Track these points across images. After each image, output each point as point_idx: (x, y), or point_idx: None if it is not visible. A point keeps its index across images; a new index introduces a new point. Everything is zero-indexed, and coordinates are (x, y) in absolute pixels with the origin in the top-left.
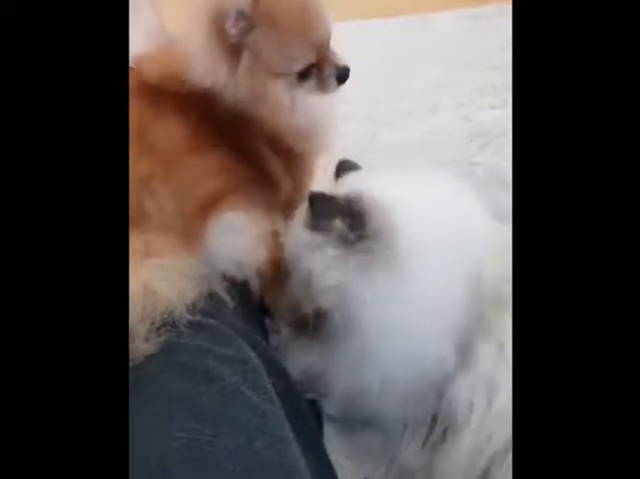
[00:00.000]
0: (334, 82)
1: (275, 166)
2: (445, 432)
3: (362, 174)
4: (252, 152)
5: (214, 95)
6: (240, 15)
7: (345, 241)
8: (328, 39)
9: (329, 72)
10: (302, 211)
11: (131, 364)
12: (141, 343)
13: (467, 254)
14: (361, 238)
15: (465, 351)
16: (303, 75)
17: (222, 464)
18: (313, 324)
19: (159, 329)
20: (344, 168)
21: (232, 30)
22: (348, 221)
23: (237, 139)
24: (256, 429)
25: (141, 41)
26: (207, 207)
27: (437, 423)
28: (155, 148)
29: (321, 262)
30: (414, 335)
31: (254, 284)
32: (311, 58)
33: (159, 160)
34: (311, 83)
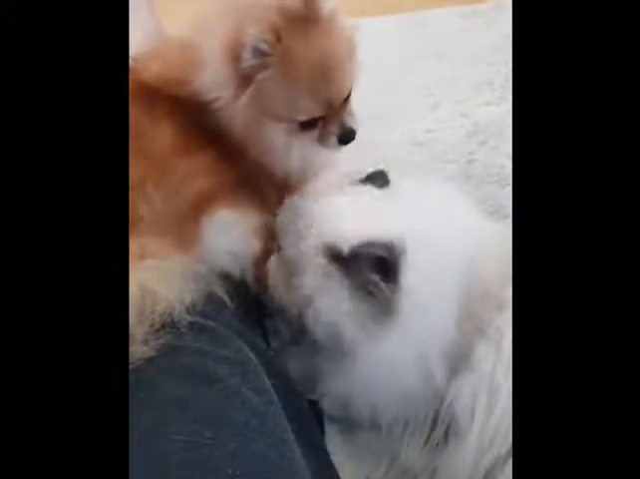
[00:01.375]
0: (335, 141)
1: (260, 178)
2: (446, 433)
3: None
4: (240, 158)
5: (212, 110)
6: (257, 52)
7: (363, 292)
8: (343, 97)
9: (332, 130)
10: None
11: (130, 367)
12: (139, 346)
13: (464, 253)
14: (382, 296)
15: (462, 354)
16: (306, 125)
17: (222, 466)
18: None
19: (158, 332)
20: (374, 177)
21: (245, 63)
22: (380, 274)
23: (227, 145)
24: (256, 431)
25: (138, 41)
26: (200, 206)
27: (437, 424)
28: (148, 150)
29: (327, 298)
30: (402, 356)
31: (251, 279)
32: (318, 112)
33: (151, 163)
34: (312, 134)
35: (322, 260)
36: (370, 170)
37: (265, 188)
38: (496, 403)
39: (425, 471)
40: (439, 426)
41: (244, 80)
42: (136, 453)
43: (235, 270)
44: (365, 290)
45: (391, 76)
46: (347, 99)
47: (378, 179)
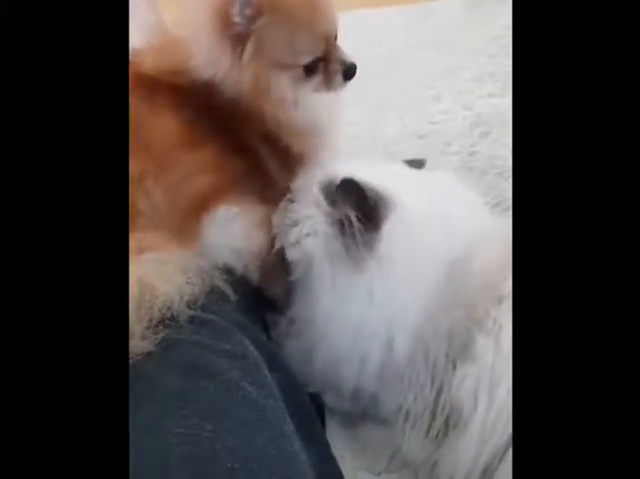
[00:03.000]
0: (340, 78)
1: (272, 163)
2: (446, 423)
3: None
4: (247, 146)
5: (215, 86)
6: (246, 2)
7: (341, 228)
8: (335, 33)
9: (336, 67)
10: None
11: (129, 362)
12: (138, 341)
13: (459, 243)
14: (355, 238)
15: (459, 344)
16: (310, 69)
17: (222, 460)
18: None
19: (157, 326)
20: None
21: (237, 18)
22: (359, 219)
23: (233, 133)
24: (256, 425)
25: (137, 34)
26: (201, 202)
27: (437, 415)
28: (148, 144)
29: (311, 224)
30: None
31: (253, 274)
32: (318, 51)
33: (152, 157)
34: (317, 79)
35: (316, 191)
36: None
37: (273, 170)
38: (496, 394)
39: (426, 463)
40: (438, 417)
41: (239, 39)
42: (136, 447)
43: (237, 265)
44: (340, 226)
45: (393, 67)
46: (336, 38)
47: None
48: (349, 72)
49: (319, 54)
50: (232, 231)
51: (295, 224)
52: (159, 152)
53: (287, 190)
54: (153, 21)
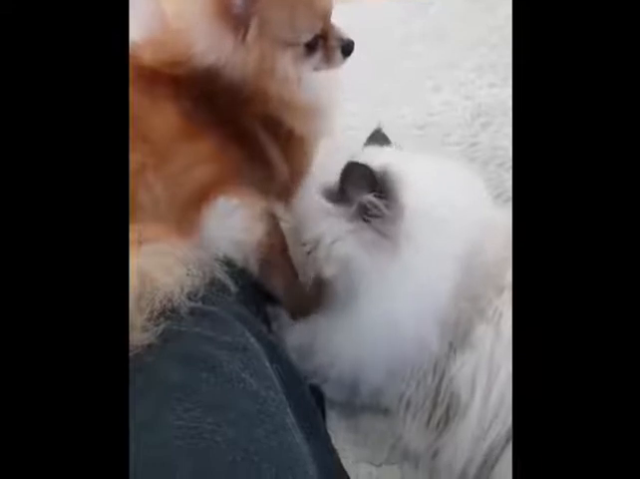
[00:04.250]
0: (339, 54)
1: (272, 151)
2: (447, 412)
3: (386, 150)
4: (249, 135)
5: (217, 72)
6: None
7: (363, 216)
8: (331, 10)
9: (334, 44)
10: (317, 178)
11: (130, 354)
12: (139, 333)
13: (466, 235)
14: (382, 216)
15: (461, 333)
16: (310, 47)
17: (223, 452)
18: (311, 294)
19: (158, 318)
20: (375, 138)
21: (237, 0)
22: (378, 197)
23: (233, 123)
24: (257, 417)
25: (137, 25)
26: (201, 194)
27: (438, 403)
28: (148, 136)
29: (333, 233)
30: (400, 315)
31: (253, 265)
32: (317, 29)
33: (151, 149)
34: (317, 56)
35: (320, 200)
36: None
37: (275, 159)
38: (496, 381)
39: (426, 453)
40: (438, 406)
41: (240, 20)
42: (136, 440)
43: (237, 257)
44: (364, 214)
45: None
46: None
47: (379, 139)
48: (347, 48)
49: (318, 32)
50: (232, 222)
51: (316, 243)
52: (158, 144)
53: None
54: (152, 12)
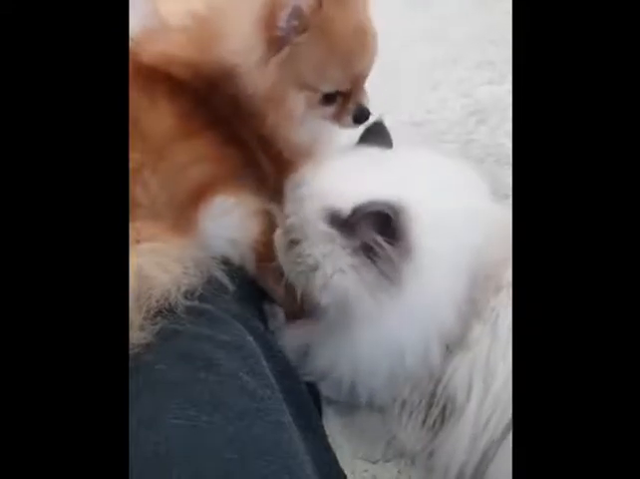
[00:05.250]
0: (350, 120)
1: (263, 161)
2: (443, 413)
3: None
4: (242, 141)
5: (232, 77)
6: (297, 12)
7: (368, 254)
8: (366, 75)
9: (350, 107)
10: (322, 197)
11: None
12: (136, 332)
13: (468, 237)
14: (389, 260)
15: (459, 335)
16: (328, 98)
17: (220, 450)
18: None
19: (155, 317)
20: (374, 132)
21: (282, 23)
22: (387, 241)
23: (230, 126)
24: (254, 415)
25: (136, 22)
26: (198, 192)
27: (434, 404)
28: (145, 135)
29: (334, 263)
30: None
31: (250, 264)
32: (343, 86)
33: (148, 147)
34: (330, 110)
35: (324, 226)
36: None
37: (265, 167)
38: (493, 382)
39: (423, 452)
40: (434, 406)
41: (276, 43)
42: (134, 438)
43: (234, 255)
44: (369, 252)
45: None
46: (364, 82)
47: (378, 134)
48: (360, 117)
49: (342, 89)
50: (229, 221)
51: (314, 268)
52: (155, 142)
53: (288, 232)
54: (150, 11)
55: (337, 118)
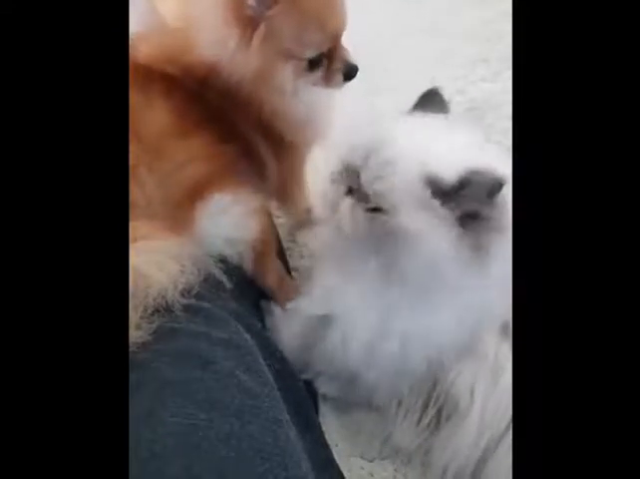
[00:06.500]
0: (340, 77)
1: (264, 152)
2: (439, 412)
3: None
4: (240, 135)
5: (217, 70)
6: None
7: (466, 224)
8: (342, 32)
9: (338, 66)
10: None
11: None
12: (133, 330)
13: None
14: (487, 229)
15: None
16: (313, 63)
17: (217, 449)
18: None
19: (152, 315)
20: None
21: (251, 1)
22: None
23: (227, 121)
24: (251, 413)
25: (134, 22)
26: (195, 191)
27: (430, 403)
28: (141, 134)
29: (430, 234)
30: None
31: (247, 262)
32: (324, 47)
33: (144, 146)
34: (318, 74)
35: (426, 194)
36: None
37: (266, 159)
38: (490, 384)
39: (418, 450)
40: (431, 407)
41: (250, 23)
42: (131, 436)
43: (231, 253)
44: (469, 222)
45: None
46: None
47: (434, 102)
48: (349, 73)
49: (324, 50)
50: (226, 219)
51: (404, 238)
52: (151, 141)
53: (368, 199)
54: (149, 9)
55: (327, 80)
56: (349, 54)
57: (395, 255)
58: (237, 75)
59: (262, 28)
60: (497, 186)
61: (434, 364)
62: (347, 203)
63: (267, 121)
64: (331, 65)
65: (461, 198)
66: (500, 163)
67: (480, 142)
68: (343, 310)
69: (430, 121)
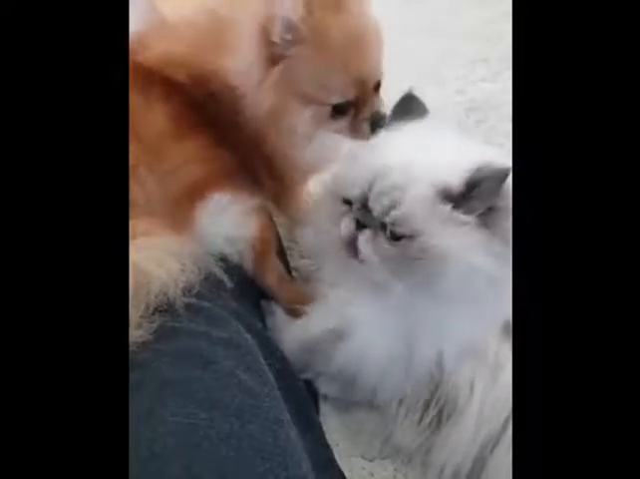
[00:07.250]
0: (367, 128)
1: (258, 165)
2: (441, 412)
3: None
4: (239, 147)
5: (232, 98)
6: (288, 24)
7: (485, 221)
8: (375, 81)
9: (365, 115)
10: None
11: None
12: (134, 329)
13: None
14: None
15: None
16: (338, 110)
17: (217, 448)
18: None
19: (152, 314)
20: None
21: (275, 39)
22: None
23: (225, 130)
24: (251, 412)
25: (136, 22)
26: (194, 190)
27: (432, 403)
28: (141, 133)
29: (464, 247)
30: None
31: (248, 261)
32: (350, 94)
33: (144, 145)
34: (343, 122)
35: (443, 208)
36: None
37: (262, 176)
38: (490, 382)
39: (419, 449)
40: (432, 407)
41: (272, 59)
42: (131, 435)
43: (231, 253)
44: (487, 219)
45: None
46: (378, 87)
47: (412, 108)
48: (377, 123)
49: (351, 97)
50: (226, 218)
51: (443, 258)
52: (151, 141)
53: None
54: (147, 12)
55: (352, 130)
56: (382, 103)
57: (426, 275)
58: (249, 110)
59: (280, 67)
60: (503, 175)
61: (441, 367)
62: (365, 237)
63: (269, 157)
64: (358, 114)
65: (474, 197)
66: (494, 154)
67: (465, 137)
68: (360, 329)
69: (415, 129)
